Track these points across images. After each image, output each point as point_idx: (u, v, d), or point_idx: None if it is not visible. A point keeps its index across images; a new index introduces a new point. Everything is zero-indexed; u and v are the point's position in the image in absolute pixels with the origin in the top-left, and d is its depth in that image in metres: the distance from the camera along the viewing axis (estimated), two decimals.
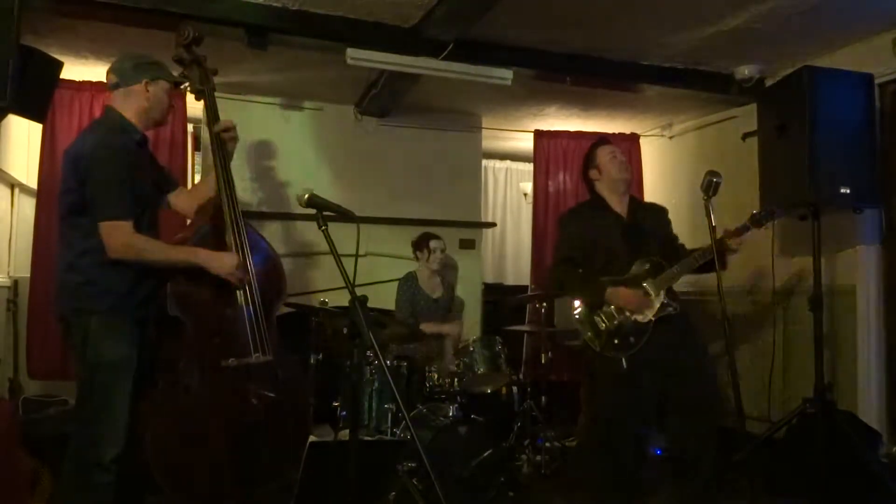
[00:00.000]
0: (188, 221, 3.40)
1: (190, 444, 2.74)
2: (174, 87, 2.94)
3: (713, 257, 2.95)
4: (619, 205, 3.43)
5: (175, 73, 3.10)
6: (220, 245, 2.92)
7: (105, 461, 2.56)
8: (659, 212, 3.58)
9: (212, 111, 3.18)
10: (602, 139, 3.70)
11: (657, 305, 3.18)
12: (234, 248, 2.90)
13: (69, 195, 2.65)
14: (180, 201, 3.14)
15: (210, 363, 2.81)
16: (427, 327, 4.42)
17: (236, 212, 2.98)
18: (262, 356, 2.82)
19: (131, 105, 2.79)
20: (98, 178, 2.58)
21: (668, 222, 3.57)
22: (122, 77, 2.79)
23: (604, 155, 3.49)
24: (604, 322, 3.20)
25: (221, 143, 3.11)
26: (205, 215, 3.10)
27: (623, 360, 3.13)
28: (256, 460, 2.82)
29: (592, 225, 3.38)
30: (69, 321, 2.65)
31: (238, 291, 2.87)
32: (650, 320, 3.17)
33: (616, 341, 3.16)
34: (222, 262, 2.80)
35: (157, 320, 2.86)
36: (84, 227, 2.62)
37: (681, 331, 3.23)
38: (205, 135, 3.77)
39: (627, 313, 3.17)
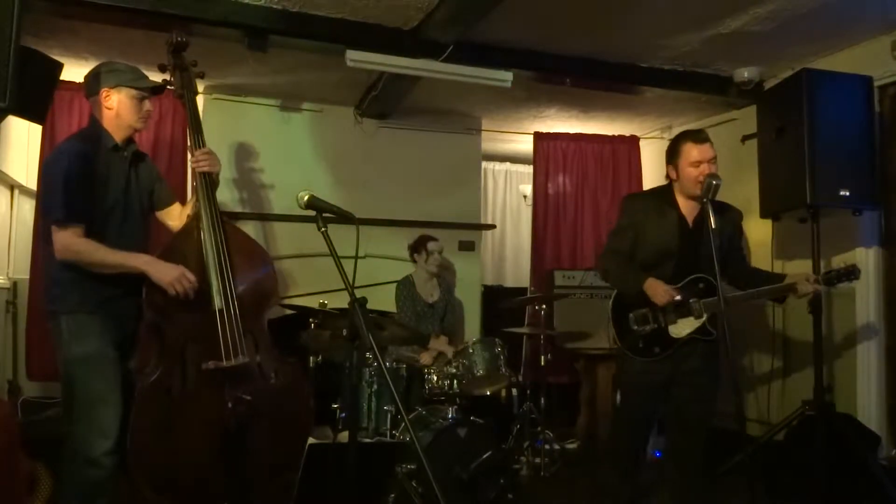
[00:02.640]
0: None
1: (170, 447, 2.74)
2: (147, 93, 2.90)
3: (774, 296, 3.01)
4: (687, 208, 3.08)
5: (161, 79, 3.14)
6: (190, 250, 2.91)
7: (95, 456, 2.60)
8: (729, 218, 3.14)
9: (193, 118, 3.19)
10: (694, 133, 3.08)
11: (696, 326, 2.99)
12: (207, 249, 2.89)
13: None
14: (169, 220, 3.12)
15: (185, 366, 2.81)
16: (432, 345, 4.40)
17: (214, 208, 2.98)
18: (240, 359, 2.80)
19: (100, 114, 2.84)
20: (47, 186, 2.72)
21: (739, 230, 3.21)
22: (86, 88, 2.88)
23: (687, 157, 3.00)
24: (636, 323, 3.07)
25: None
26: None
27: (639, 363, 3.06)
28: (245, 463, 2.81)
29: (653, 218, 3.07)
30: (49, 322, 2.76)
31: (214, 292, 2.84)
32: (681, 337, 3.01)
33: (640, 345, 3.05)
34: (162, 271, 2.74)
35: (137, 318, 2.89)
36: (50, 230, 2.71)
37: (707, 355, 3.03)
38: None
39: (662, 323, 3.02)
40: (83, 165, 2.69)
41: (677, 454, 3.13)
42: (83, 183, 2.67)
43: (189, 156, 3.31)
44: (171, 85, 3.22)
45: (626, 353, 3.11)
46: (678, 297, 2.98)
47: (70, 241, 2.65)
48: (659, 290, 2.97)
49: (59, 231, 2.64)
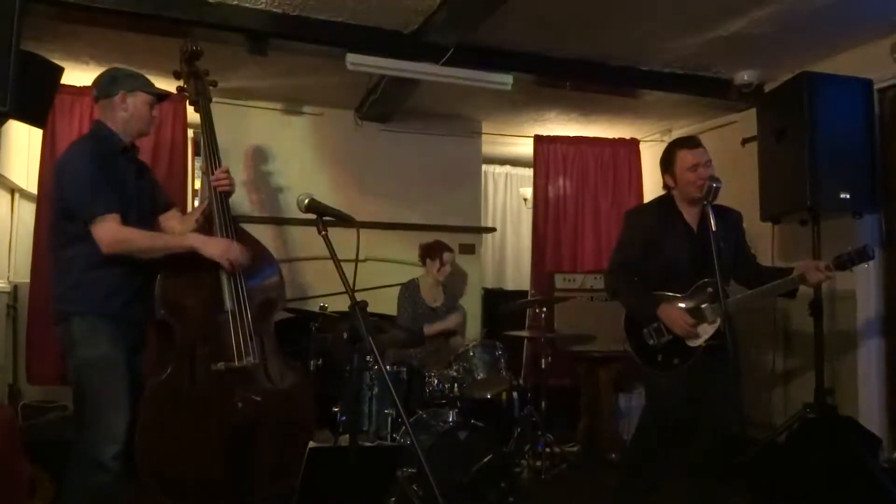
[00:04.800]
0: None
1: (178, 447, 2.75)
2: (157, 100, 2.94)
3: (786, 290, 2.96)
4: (691, 215, 3.06)
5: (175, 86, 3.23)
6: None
7: (104, 460, 2.59)
8: (731, 220, 3.13)
9: (207, 125, 3.28)
10: (685, 140, 3.13)
11: (711, 332, 2.94)
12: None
13: (56, 204, 2.78)
14: (171, 223, 3.13)
15: (194, 366, 2.83)
16: (429, 329, 4.41)
17: (226, 214, 3.04)
18: (250, 360, 2.84)
19: (110, 116, 2.85)
20: (73, 184, 2.68)
21: (742, 231, 3.19)
22: (99, 90, 2.87)
23: (683, 164, 3.01)
24: (652, 337, 3.02)
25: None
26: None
27: (664, 379, 3.02)
28: (250, 464, 2.81)
29: (659, 231, 3.05)
30: (59, 326, 2.73)
31: (226, 293, 2.88)
32: (699, 346, 2.95)
33: (659, 358, 3.00)
34: (214, 245, 2.85)
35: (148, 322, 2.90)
36: (70, 233, 2.70)
37: (725, 361, 2.90)
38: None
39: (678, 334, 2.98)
40: (100, 163, 2.70)
41: (700, 458, 3.07)
42: (105, 178, 2.69)
43: (202, 163, 3.35)
44: (185, 92, 3.33)
45: (646, 370, 3.06)
46: (697, 329, 2.95)
47: (117, 232, 2.66)
48: (674, 319, 2.95)
49: (101, 224, 2.64)
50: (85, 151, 2.73)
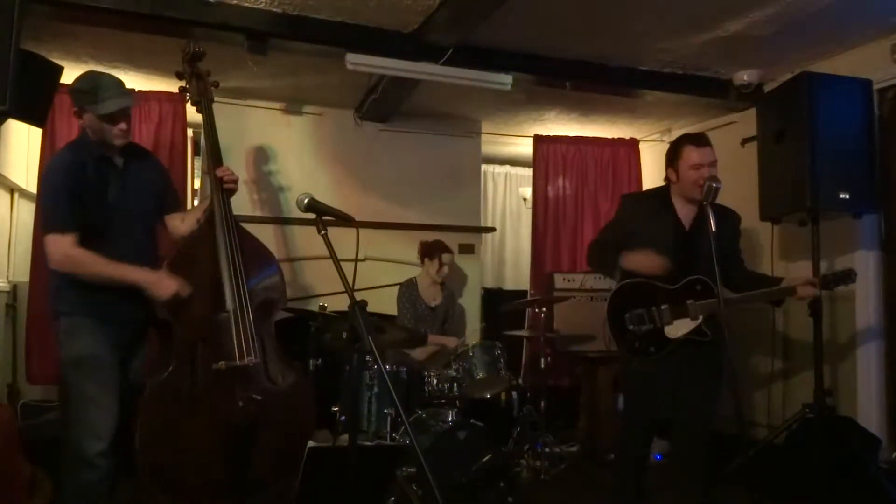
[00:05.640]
0: None
1: (178, 446, 2.75)
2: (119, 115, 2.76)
3: (774, 298, 3.02)
4: (684, 211, 3.08)
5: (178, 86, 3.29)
6: (203, 252, 2.95)
7: (89, 456, 2.60)
8: (729, 222, 3.12)
9: (209, 125, 3.27)
10: (695, 136, 3.09)
11: (692, 327, 2.97)
12: (221, 251, 2.93)
13: None
14: (173, 222, 3.12)
15: (195, 366, 2.83)
16: (432, 339, 4.40)
17: (228, 214, 3.02)
18: (251, 359, 2.84)
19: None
20: (44, 196, 2.74)
21: (737, 234, 3.20)
22: (71, 99, 2.80)
23: (688, 161, 3.00)
24: (631, 323, 3.04)
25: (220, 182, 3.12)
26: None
27: (636, 363, 3.06)
28: (250, 464, 2.82)
29: (650, 220, 3.07)
30: (54, 323, 2.77)
31: (227, 292, 2.88)
32: (677, 338, 2.98)
33: (636, 345, 3.03)
34: (158, 286, 2.74)
35: (146, 322, 2.91)
36: None
37: (707, 359, 2.99)
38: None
39: (658, 324, 2.99)
40: (74, 175, 2.69)
41: (681, 458, 3.11)
42: (75, 193, 2.67)
43: (203, 162, 3.35)
44: (187, 92, 3.34)
45: (623, 354, 3.10)
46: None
47: (69, 251, 2.65)
48: (642, 258, 2.96)
49: (52, 240, 2.65)
50: (60, 164, 2.73)
